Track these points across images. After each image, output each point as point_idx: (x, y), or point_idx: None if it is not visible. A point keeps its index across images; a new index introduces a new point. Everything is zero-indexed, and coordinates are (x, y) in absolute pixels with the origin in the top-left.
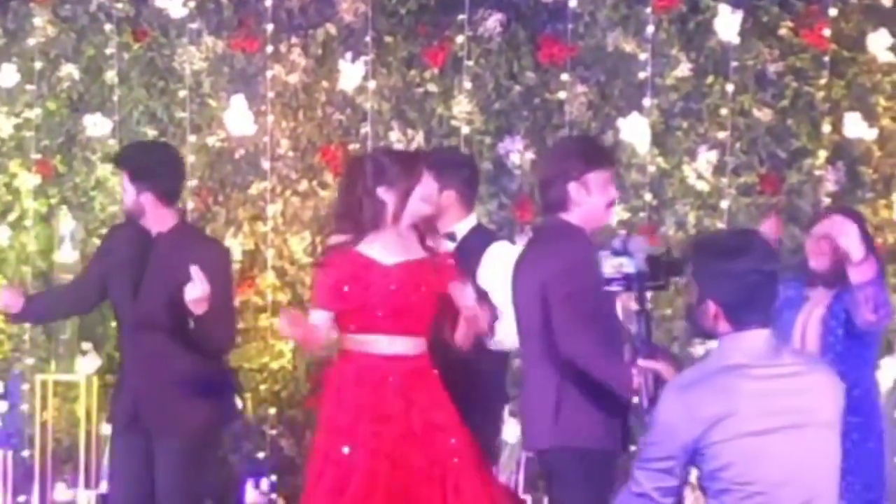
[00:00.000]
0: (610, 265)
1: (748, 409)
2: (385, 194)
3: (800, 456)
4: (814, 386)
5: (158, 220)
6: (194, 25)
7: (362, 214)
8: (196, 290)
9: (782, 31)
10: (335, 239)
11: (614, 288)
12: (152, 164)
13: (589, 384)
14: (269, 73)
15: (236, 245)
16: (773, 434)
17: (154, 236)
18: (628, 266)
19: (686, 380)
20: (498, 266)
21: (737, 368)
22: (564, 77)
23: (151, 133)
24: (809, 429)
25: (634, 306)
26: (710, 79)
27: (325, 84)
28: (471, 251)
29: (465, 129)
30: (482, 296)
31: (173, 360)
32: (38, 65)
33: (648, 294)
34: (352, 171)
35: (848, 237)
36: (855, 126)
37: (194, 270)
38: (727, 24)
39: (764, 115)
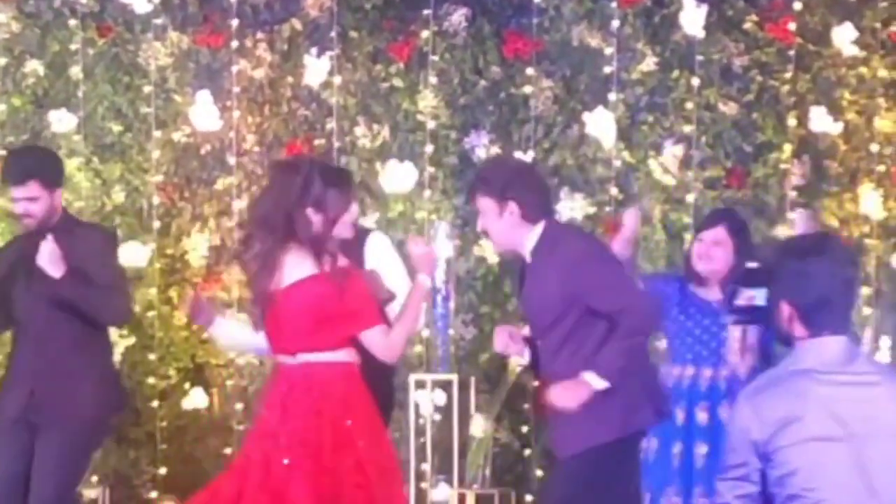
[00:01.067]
0: (740, 294)
1: (814, 413)
2: (313, 215)
3: (864, 465)
4: (884, 396)
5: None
6: (159, 21)
7: (285, 227)
8: (43, 253)
9: (747, 26)
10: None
11: (735, 323)
12: (56, 165)
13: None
14: (234, 69)
15: (202, 240)
16: (838, 442)
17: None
18: (760, 298)
19: (757, 385)
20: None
21: (807, 373)
22: (530, 71)
23: (117, 129)
24: (876, 439)
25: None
26: (675, 73)
27: (290, 79)
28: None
29: (431, 124)
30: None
31: (66, 352)
32: (2, 61)
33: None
34: (283, 179)
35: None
36: (820, 120)
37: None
38: (692, 19)
39: (729, 109)
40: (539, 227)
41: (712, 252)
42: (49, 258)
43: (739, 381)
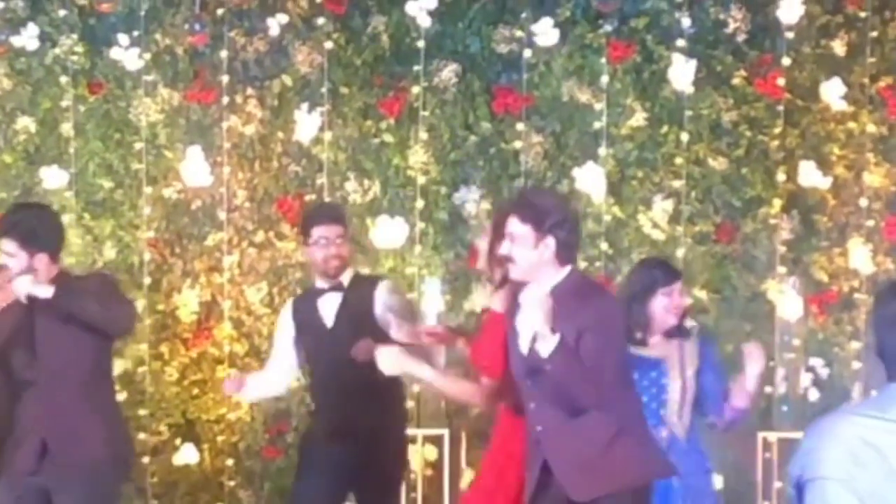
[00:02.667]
0: None
1: (828, 451)
2: None
3: None
4: None
5: (47, 278)
6: (150, 77)
7: None
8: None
9: (736, 81)
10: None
11: None
12: (41, 228)
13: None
14: (224, 125)
15: (193, 297)
16: (851, 483)
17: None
18: None
19: (816, 422)
20: None
21: (849, 414)
22: (520, 127)
23: (108, 185)
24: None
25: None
26: (664, 128)
27: (281, 135)
28: None
29: (422, 180)
30: None
31: (74, 399)
32: None
33: None
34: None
35: None
36: (809, 175)
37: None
38: (681, 74)
39: (719, 163)
40: (565, 271)
41: (681, 302)
42: (31, 282)
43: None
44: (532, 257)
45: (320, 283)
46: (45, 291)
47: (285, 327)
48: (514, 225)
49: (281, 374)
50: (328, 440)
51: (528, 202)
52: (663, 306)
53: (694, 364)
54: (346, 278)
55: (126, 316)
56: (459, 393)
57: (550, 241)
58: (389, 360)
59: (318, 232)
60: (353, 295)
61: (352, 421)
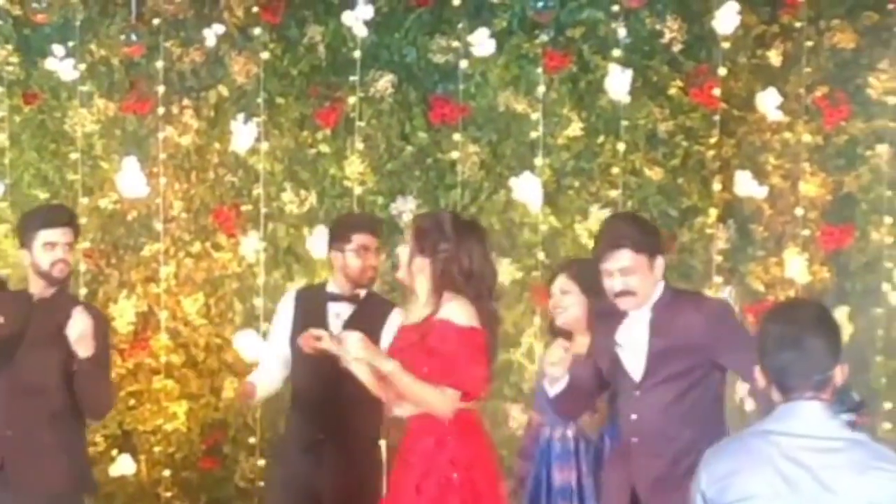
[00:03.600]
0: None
1: (760, 472)
2: None
3: None
4: (843, 464)
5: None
6: (85, 88)
7: None
8: (78, 325)
9: (672, 91)
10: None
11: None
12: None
13: None
14: (160, 135)
15: (129, 307)
16: (782, 500)
17: (35, 301)
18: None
19: (719, 444)
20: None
21: (763, 433)
22: (456, 137)
23: (43, 196)
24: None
25: None
26: (601, 138)
27: (217, 145)
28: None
29: (358, 190)
30: None
31: (48, 425)
32: None
33: None
34: None
35: None
36: (745, 184)
37: (76, 310)
38: (617, 84)
39: (655, 173)
40: (662, 284)
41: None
42: (82, 334)
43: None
44: (650, 282)
45: (334, 288)
46: (85, 350)
47: (285, 320)
48: (624, 259)
49: (281, 368)
50: (303, 448)
51: (631, 234)
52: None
53: None
54: (362, 292)
55: (110, 407)
56: (420, 393)
57: (661, 261)
58: (356, 344)
59: (358, 240)
60: (366, 311)
61: (328, 430)
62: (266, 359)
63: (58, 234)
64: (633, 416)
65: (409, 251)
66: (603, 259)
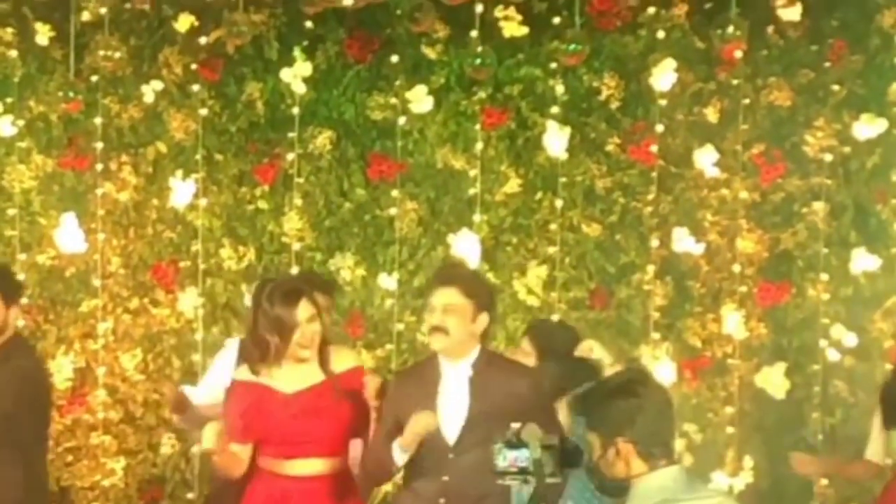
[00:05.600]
0: (504, 457)
1: None
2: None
3: None
4: None
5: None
6: (24, 144)
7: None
8: None
9: (610, 148)
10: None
11: (509, 482)
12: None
13: None
14: (99, 191)
15: (67, 363)
16: None
17: None
18: (524, 459)
19: None
20: None
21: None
22: (395, 193)
23: None
24: None
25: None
26: (539, 194)
27: (155, 201)
28: None
29: (297, 246)
30: None
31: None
32: None
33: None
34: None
35: None
36: (682, 241)
37: None
38: (555, 141)
39: (593, 230)
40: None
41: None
42: None
43: None
44: (469, 331)
45: None
46: None
47: (224, 368)
48: (454, 297)
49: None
50: None
51: (464, 276)
52: None
53: None
54: None
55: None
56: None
57: (485, 318)
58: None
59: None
60: None
61: None
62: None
63: None
64: (445, 478)
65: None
66: (430, 294)
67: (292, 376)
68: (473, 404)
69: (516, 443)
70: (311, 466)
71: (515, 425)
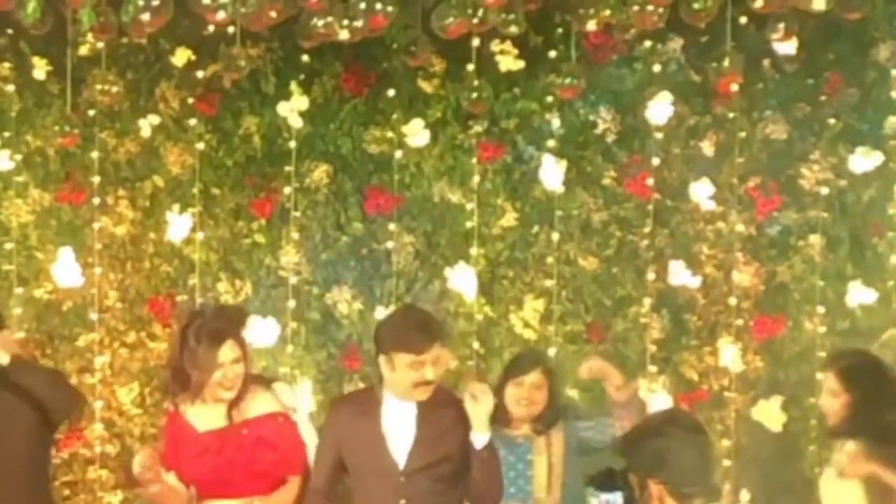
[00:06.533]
0: (596, 499)
1: None
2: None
3: None
4: None
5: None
6: (21, 178)
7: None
8: None
9: (606, 181)
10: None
11: None
12: None
13: None
14: (96, 225)
15: None
16: None
17: None
18: (616, 501)
19: None
20: None
21: None
22: (391, 227)
23: None
24: None
25: None
26: (535, 228)
27: (152, 235)
28: None
29: (294, 280)
30: None
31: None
32: None
33: None
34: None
35: None
36: (679, 274)
37: None
38: (552, 174)
39: (589, 263)
40: None
41: (534, 396)
42: None
43: None
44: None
45: None
46: (2, 357)
47: None
48: (435, 350)
49: None
50: None
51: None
52: (514, 396)
53: (561, 445)
54: None
55: (72, 400)
56: None
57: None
58: None
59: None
60: None
61: None
62: None
63: None
64: (402, 501)
65: None
66: (422, 352)
67: (206, 414)
68: (421, 427)
69: (609, 484)
70: None
71: (606, 466)
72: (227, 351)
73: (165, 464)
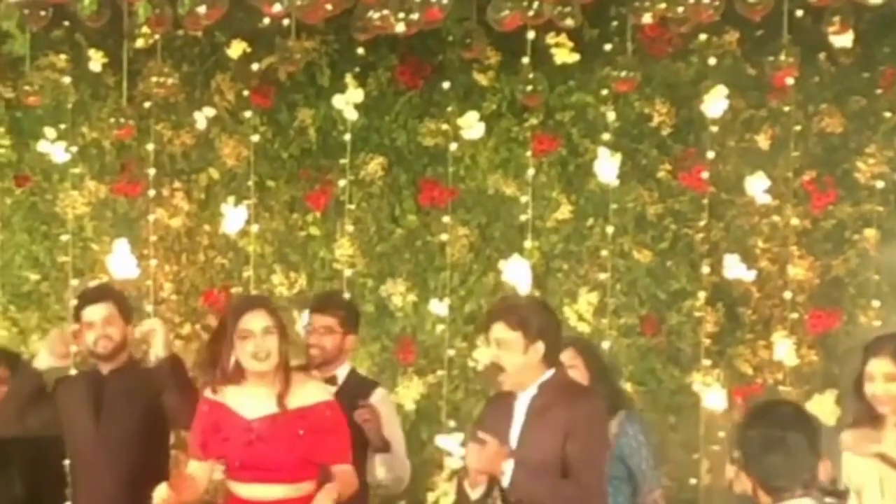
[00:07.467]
0: None
1: None
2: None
3: None
4: None
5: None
6: (77, 170)
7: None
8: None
9: (661, 174)
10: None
11: None
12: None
13: None
14: (151, 217)
15: None
16: None
17: (106, 374)
18: None
19: None
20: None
21: None
22: (446, 219)
23: (34, 277)
24: None
25: None
26: (590, 221)
27: (207, 228)
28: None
29: (348, 272)
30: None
31: (131, 490)
32: None
33: None
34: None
35: None
36: (734, 268)
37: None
38: (606, 167)
39: (644, 256)
40: (551, 372)
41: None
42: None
43: None
44: (522, 362)
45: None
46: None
47: None
48: (499, 332)
49: None
50: None
51: (512, 311)
52: None
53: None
54: (340, 372)
55: (181, 424)
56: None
57: (540, 346)
58: None
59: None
60: (346, 392)
61: None
62: None
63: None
64: None
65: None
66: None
67: (252, 402)
68: (528, 420)
69: (833, 490)
70: (270, 492)
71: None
72: (257, 319)
73: (197, 452)
